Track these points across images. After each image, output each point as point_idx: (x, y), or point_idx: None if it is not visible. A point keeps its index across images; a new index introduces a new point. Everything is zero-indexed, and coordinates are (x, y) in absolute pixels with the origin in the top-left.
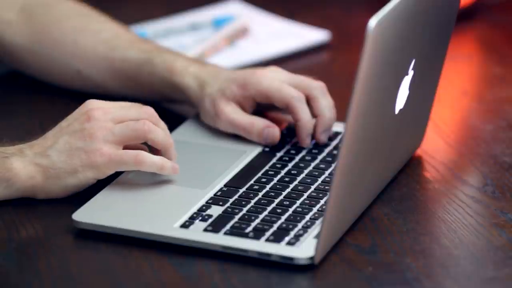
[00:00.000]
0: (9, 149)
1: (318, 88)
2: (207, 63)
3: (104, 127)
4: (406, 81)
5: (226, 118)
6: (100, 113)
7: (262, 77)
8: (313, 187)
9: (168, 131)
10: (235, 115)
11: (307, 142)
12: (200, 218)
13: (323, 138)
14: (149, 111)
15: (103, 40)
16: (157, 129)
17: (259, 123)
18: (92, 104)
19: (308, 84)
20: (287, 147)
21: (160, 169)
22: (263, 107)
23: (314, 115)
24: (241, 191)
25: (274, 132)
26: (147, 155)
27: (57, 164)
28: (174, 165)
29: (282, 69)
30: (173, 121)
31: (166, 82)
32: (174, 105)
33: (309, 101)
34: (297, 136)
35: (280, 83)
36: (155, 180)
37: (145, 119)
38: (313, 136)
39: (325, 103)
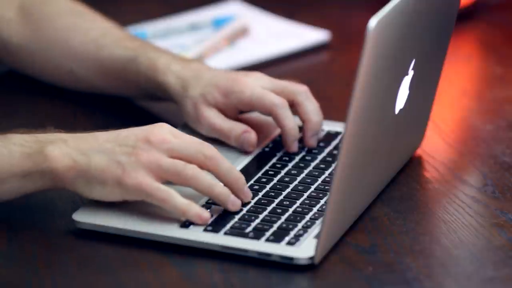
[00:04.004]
0: (52, 136)
1: (302, 93)
2: (190, 60)
3: (153, 155)
4: (406, 81)
5: (207, 123)
6: (159, 140)
7: (244, 86)
8: (313, 187)
9: (225, 173)
10: (215, 119)
11: (293, 148)
12: None
13: (312, 142)
14: (209, 151)
15: (92, 39)
16: (201, 178)
17: (237, 128)
18: (158, 128)
19: (292, 90)
20: None
21: (182, 215)
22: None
23: (301, 120)
24: None
25: (250, 137)
26: (175, 197)
27: (92, 168)
28: (202, 213)
29: (266, 75)
30: (173, 121)
31: (150, 81)
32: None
33: (294, 106)
34: (283, 143)
35: (263, 90)
36: None
37: (199, 160)
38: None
39: (311, 107)
